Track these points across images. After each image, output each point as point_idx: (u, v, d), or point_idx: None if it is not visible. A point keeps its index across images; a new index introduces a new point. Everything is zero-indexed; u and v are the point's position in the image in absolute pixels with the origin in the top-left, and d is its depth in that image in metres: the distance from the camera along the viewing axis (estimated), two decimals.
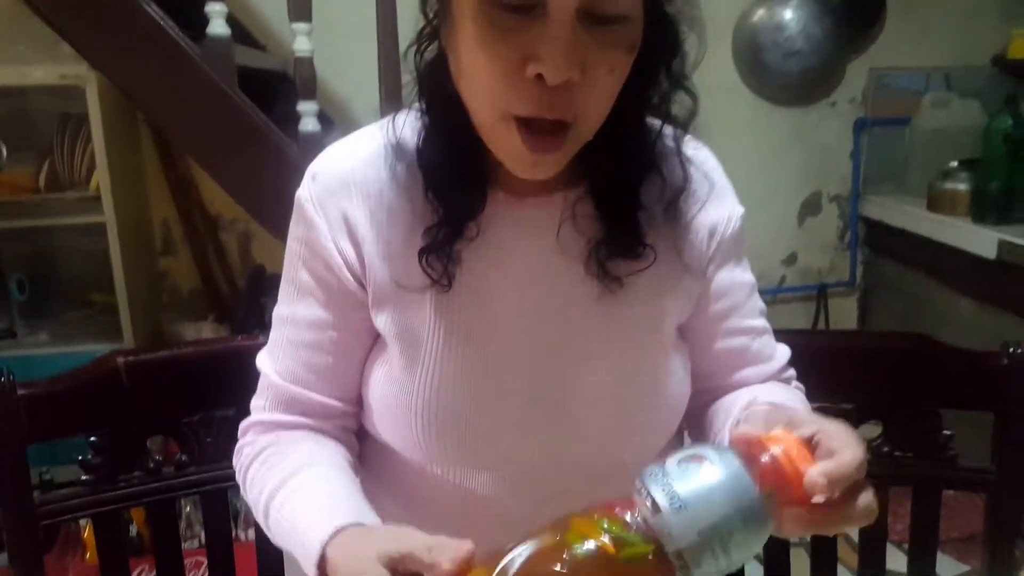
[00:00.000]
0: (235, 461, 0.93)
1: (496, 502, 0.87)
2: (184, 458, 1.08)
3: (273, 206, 1.87)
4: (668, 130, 0.85)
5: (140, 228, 2.92)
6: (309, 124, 1.97)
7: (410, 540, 0.64)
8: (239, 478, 0.92)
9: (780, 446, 0.62)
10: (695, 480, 0.58)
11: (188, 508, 2.22)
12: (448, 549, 0.61)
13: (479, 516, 0.86)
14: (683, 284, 0.89)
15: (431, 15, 0.80)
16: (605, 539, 0.58)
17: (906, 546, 1.17)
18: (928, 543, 1.15)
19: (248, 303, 2.83)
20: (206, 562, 1.14)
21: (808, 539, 1.18)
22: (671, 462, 0.60)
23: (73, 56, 2.56)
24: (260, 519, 0.86)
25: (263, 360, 0.91)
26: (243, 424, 0.92)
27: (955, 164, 2.85)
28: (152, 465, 1.07)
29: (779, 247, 3.34)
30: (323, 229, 0.85)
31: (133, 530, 2.17)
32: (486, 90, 0.73)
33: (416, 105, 0.85)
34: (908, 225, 3.01)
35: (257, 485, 0.86)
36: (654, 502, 0.58)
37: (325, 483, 0.81)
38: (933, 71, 3.23)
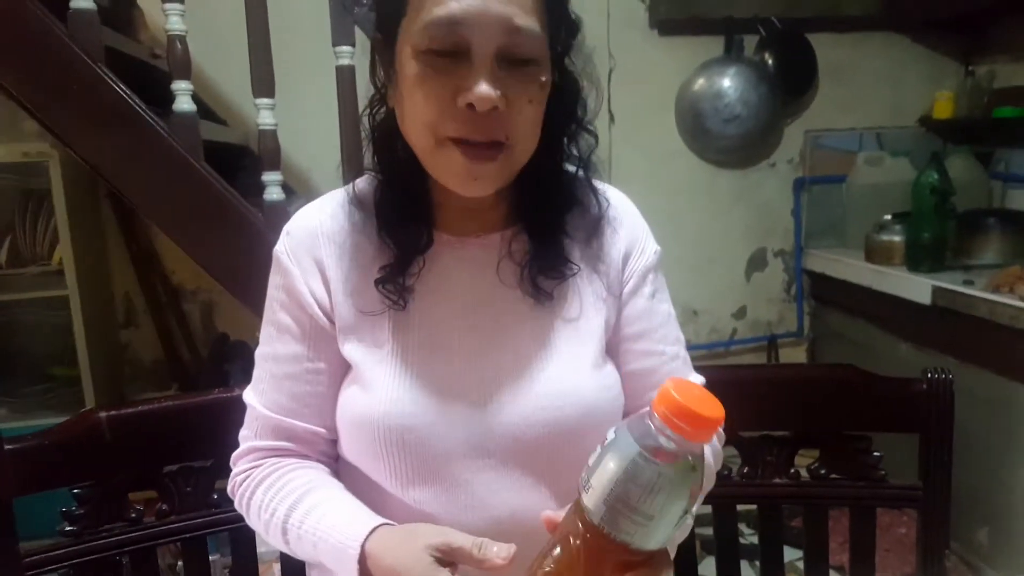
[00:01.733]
0: (233, 490, 0.99)
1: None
2: (164, 507, 1.12)
3: (241, 273, 1.92)
4: (596, 174, 1.00)
5: (102, 301, 2.95)
6: (274, 193, 2.03)
7: (457, 536, 0.76)
8: (239, 504, 0.99)
9: (664, 396, 0.62)
10: (598, 457, 0.65)
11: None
12: (495, 547, 0.73)
13: None
14: (604, 302, 0.99)
15: (379, 83, 0.95)
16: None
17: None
18: (866, 562, 1.21)
19: (212, 371, 2.85)
20: None
21: (758, 564, 1.25)
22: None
23: (35, 134, 2.62)
24: (274, 537, 0.94)
25: (249, 396, 0.99)
26: (234, 455, 1.00)
27: (889, 217, 2.97)
28: (134, 515, 1.10)
29: (729, 302, 3.45)
30: (297, 275, 0.96)
31: None
32: (426, 120, 0.85)
33: (370, 168, 0.99)
34: (849, 276, 3.10)
35: (268, 508, 0.93)
36: (580, 491, 0.66)
37: (340, 499, 0.91)
38: (865, 131, 3.38)
